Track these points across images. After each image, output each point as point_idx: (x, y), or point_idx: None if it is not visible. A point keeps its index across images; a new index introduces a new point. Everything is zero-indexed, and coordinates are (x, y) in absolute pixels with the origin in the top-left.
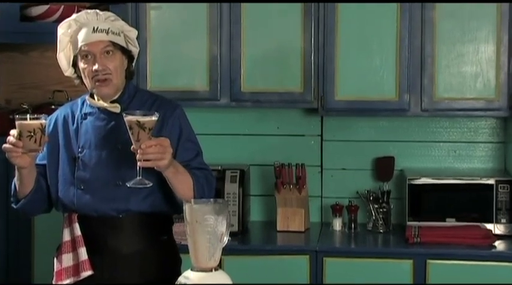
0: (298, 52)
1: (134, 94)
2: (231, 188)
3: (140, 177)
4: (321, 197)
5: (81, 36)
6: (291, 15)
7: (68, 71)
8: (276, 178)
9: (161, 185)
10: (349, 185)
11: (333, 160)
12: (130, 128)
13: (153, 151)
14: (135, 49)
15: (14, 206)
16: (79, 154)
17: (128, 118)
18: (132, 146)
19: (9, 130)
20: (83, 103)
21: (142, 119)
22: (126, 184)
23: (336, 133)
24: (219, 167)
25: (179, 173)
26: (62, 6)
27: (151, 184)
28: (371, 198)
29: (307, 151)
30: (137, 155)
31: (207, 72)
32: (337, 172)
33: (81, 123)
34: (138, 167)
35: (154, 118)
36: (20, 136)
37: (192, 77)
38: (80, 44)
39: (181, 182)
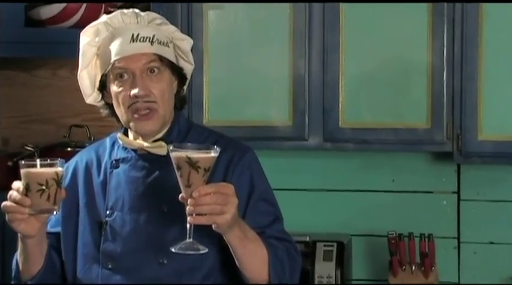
0: (424, 71)
1: (187, 132)
2: (325, 269)
3: (191, 239)
4: (458, 283)
5: (114, 47)
6: (413, 18)
7: (92, 97)
8: (391, 255)
9: (225, 260)
10: (500, 266)
11: (475, 229)
12: (179, 168)
13: (209, 201)
14: (188, 67)
15: None
16: (107, 219)
17: (176, 154)
18: (180, 195)
19: (8, 181)
20: (112, 145)
21: (195, 155)
22: (171, 248)
23: (480, 189)
24: (307, 238)
25: (248, 239)
26: (84, 6)
27: (206, 250)
28: None
29: (436, 215)
30: (187, 207)
31: (290, 98)
32: (482, 247)
33: (111, 173)
34: (188, 225)
35: (212, 154)
36: (26, 191)
37: (267, 106)
38: (112, 58)
39: (251, 254)
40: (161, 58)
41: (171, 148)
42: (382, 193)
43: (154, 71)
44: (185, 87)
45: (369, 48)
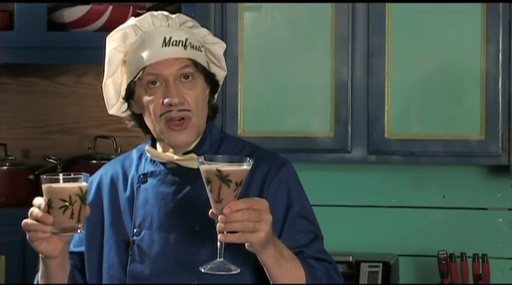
0: (477, 77)
1: (220, 143)
2: None
3: (221, 259)
4: None
5: (145, 52)
6: (465, 19)
7: (115, 107)
8: (442, 277)
9: (259, 282)
10: None
11: None
12: (209, 182)
13: (241, 218)
14: (220, 73)
15: None
16: (134, 238)
17: (205, 167)
18: (210, 211)
19: (29, 197)
20: (140, 158)
21: (225, 168)
22: (200, 268)
23: None
24: (350, 259)
25: (284, 259)
26: (110, 7)
27: (238, 271)
28: None
29: (491, 234)
30: (217, 224)
31: (331, 107)
32: None
33: (138, 188)
34: (218, 244)
35: (245, 166)
36: (48, 208)
37: (307, 116)
38: (143, 64)
39: (288, 275)
40: (195, 64)
41: (200, 160)
42: (432, 210)
43: (188, 77)
44: (216, 95)
45: (417, 52)
